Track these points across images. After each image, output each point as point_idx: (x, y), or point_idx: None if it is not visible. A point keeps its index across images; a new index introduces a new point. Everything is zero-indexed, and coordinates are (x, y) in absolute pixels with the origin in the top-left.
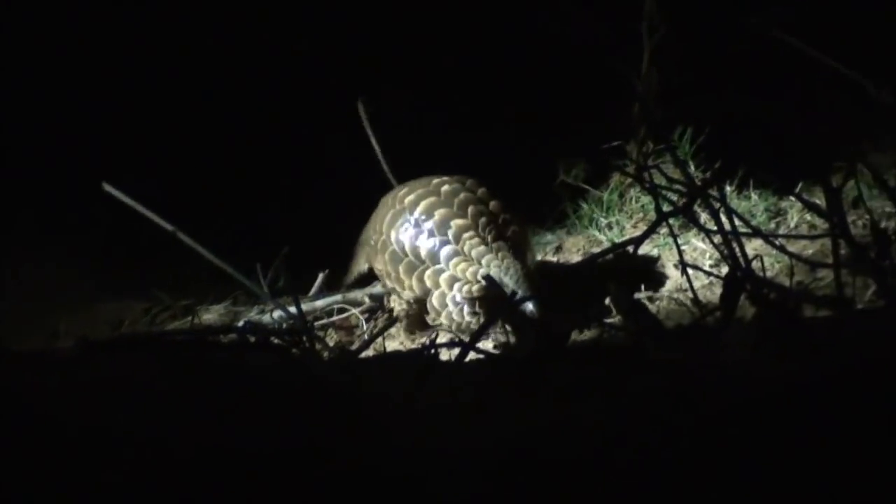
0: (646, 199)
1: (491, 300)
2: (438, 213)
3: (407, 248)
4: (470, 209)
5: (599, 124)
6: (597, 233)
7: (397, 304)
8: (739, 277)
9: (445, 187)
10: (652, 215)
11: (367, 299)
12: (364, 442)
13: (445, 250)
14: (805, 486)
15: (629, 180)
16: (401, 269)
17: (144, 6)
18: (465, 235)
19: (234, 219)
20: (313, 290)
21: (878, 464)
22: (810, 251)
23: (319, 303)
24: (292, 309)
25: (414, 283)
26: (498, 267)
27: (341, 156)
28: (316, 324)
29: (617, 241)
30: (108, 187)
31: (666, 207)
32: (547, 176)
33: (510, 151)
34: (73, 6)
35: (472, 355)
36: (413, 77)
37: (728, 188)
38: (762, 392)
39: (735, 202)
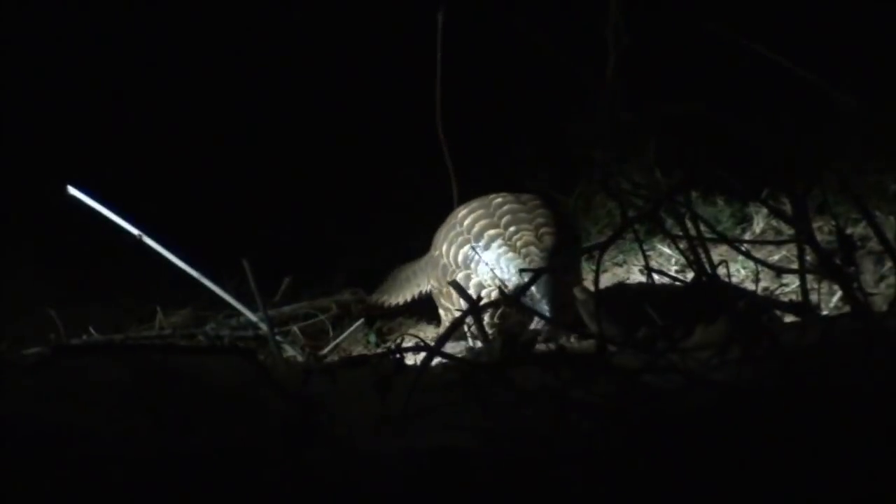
0: (612, 205)
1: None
2: (479, 225)
3: (454, 260)
4: (505, 219)
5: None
6: None
7: (446, 320)
8: (705, 283)
9: (497, 200)
10: (618, 221)
11: (334, 306)
12: (312, 446)
13: (478, 258)
14: (768, 491)
15: (595, 186)
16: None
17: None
18: (495, 245)
19: (207, 222)
20: (278, 295)
21: (840, 468)
22: (776, 257)
23: (287, 308)
24: (259, 314)
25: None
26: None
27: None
28: (282, 329)
29: (583, 246)
30: (72, 190)
31: (632, 213)
32: (512, 183)
33: (475, 158)
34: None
35: (438, 360)
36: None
37: (694, 194)
38: (726, 398)
39: (701, 208)
